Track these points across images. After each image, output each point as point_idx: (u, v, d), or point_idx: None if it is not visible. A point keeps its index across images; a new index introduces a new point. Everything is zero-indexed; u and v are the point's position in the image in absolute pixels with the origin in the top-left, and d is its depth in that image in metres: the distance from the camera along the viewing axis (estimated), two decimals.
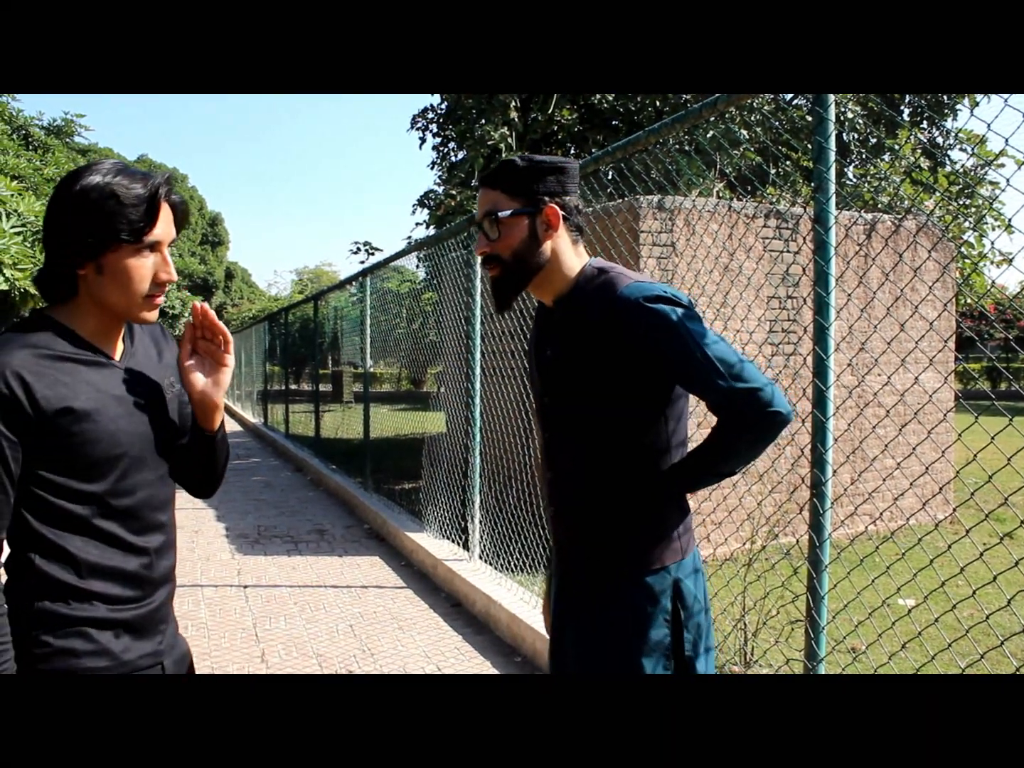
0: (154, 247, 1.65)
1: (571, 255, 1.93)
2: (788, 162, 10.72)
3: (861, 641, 4.04)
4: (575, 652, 1.93)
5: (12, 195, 7.93)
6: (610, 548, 1.87)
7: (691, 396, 1.87)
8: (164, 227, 1.66)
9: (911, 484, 2.75)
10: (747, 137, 10.94)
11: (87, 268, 1.62)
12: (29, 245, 7.49)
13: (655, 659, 1.81)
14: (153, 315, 1.70)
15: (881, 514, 2.93)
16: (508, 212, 1.88)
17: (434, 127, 14.86)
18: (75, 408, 1.58)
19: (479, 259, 5.86)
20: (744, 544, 4.35)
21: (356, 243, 15.44)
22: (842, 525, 3.98)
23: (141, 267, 1.63)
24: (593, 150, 11.75)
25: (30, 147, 17.02)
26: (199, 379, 1.79)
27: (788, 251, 6.89)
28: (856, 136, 12.39)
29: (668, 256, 6.39)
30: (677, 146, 10.57)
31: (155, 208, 1.63)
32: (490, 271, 1.95)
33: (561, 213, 1.89)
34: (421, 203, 14.68)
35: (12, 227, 7.35)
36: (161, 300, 1.70)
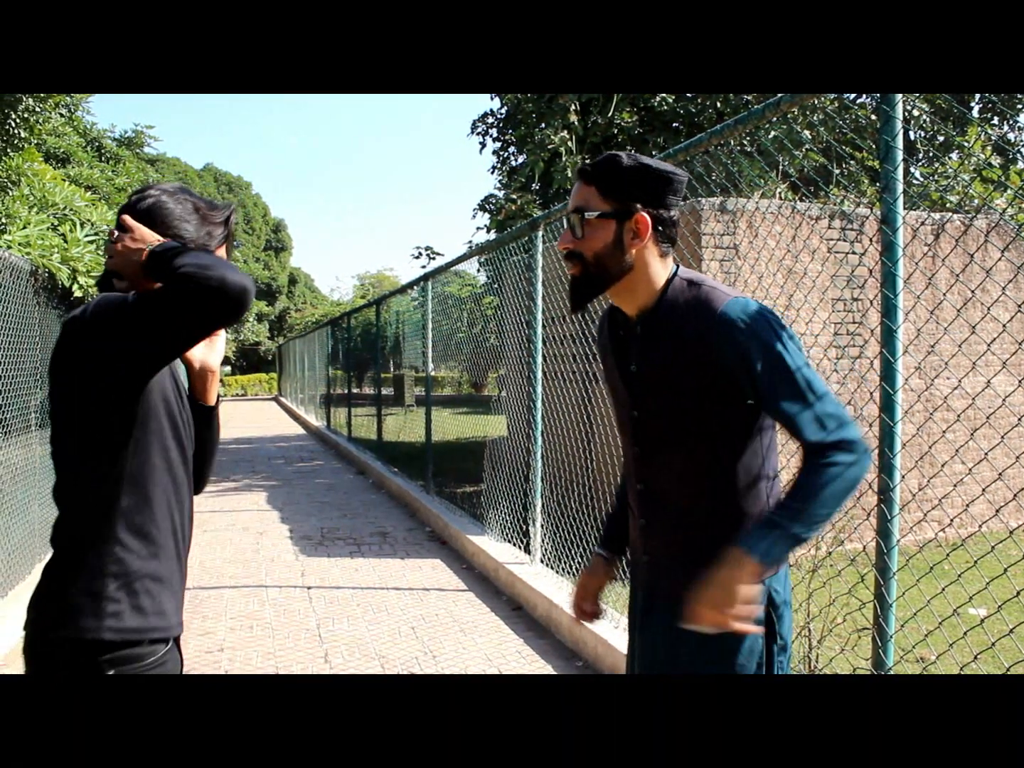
0: None
1: (658, 266, 1.86)
2: (853, 162, 10.55)
3: (931, 651, 3.95)
4: (666, 662, 1.90)
5: (86, 205, 8.16)
6: (705, 560, 1.85)
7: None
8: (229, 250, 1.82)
9: (983, 490, 2.69)
10: (810, 137, 10.79)
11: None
12: (102, 254, 7.70)
13: (749, 666, 1.80)
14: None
15: (951, 521, 2.86)
16: (596, 213, 1.82)
17: (494, 131, 14.93)
18: None
19: (540, 264, 5.89)
20: (809, 550, 4.29)
21: (418, 248, 15.56)
22: (910, 532, 3.89)
23: None
24: (653, 153, 11.68)
25: (103, 158, 17.50)
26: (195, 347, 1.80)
27: (854, 252, 6.78)
28: (923, 134, 12.15)
29: (731, 259, 6.33)
30: (739, 147, 10.47)
31: (229, 230, 1.78)
32: (570, 269, 1.88)
33: (651, 224, 1.81)
34: (482, 207, 14.76)
35: (86, 236, 7.56)
36: None
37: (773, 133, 10.07)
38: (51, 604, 1.67)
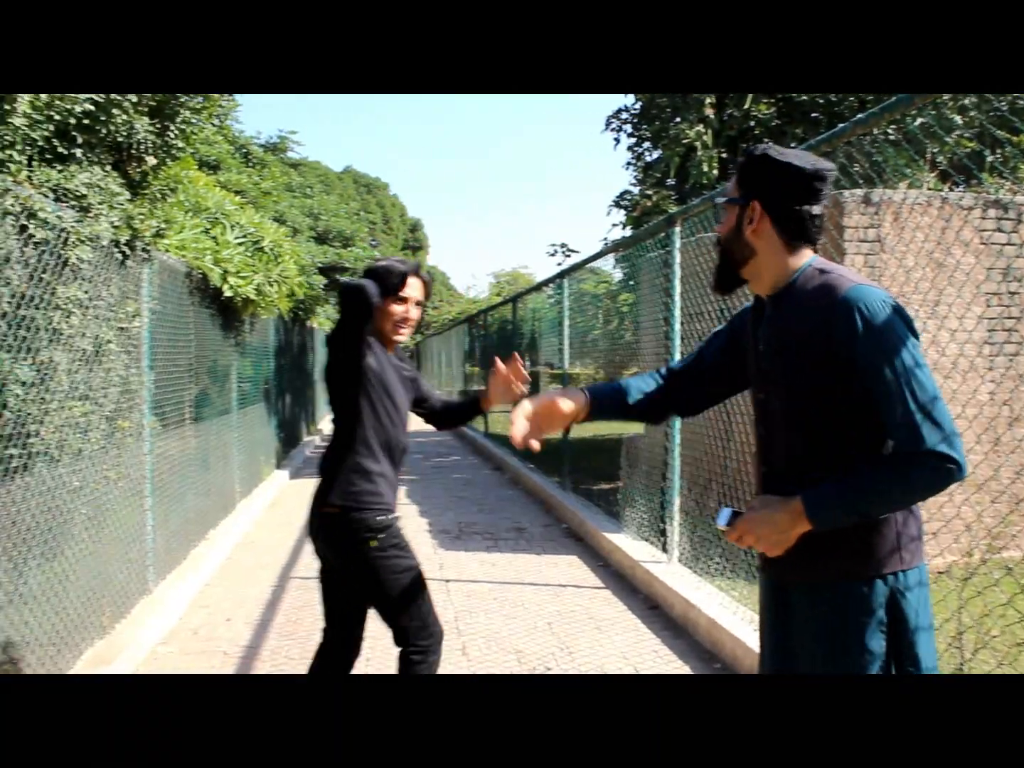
0: (405, 299, 3.03)
1: (782, 255, 1.90)
2: (1009, 146, 10.01)
3: None
4: (788, 655, 1.91)
5: (235, 209, 8.54)
6: (821, 551, 1.82)
7: None
8: (412, 289, 3.04)
9: None
10: (961, 122, 10.28)
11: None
12: (250, 255, 8.02)
13: (871, 669, 1.76)
14: (402, 337, 3.10)
15: None
16: (723, 200, 1.98)
17: (628, 127, 14.81)
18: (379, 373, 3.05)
19: (677, 260, 5.85)
20: (961, 557, 4.12)
21: (553, 245, 15.64)
22: None
23: (394, 309, 3.04)
24: (792, 145, 11.37)
25: (249, 164, 18.26)
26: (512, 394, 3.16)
27: (1011, 244, 6.44)
28: None
29: (876, 252, 6.12)
30: (883, 136, 10.07)
31: (405, 276, 2.95)
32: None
33: (765, 212, 1.88)
34: (617, 204, 14.68)
35: (236, 238, 7.88)
36: (407, 331, 3.10)
37: (920, 119, 9.65)
38: (324, 487, 3.03)
